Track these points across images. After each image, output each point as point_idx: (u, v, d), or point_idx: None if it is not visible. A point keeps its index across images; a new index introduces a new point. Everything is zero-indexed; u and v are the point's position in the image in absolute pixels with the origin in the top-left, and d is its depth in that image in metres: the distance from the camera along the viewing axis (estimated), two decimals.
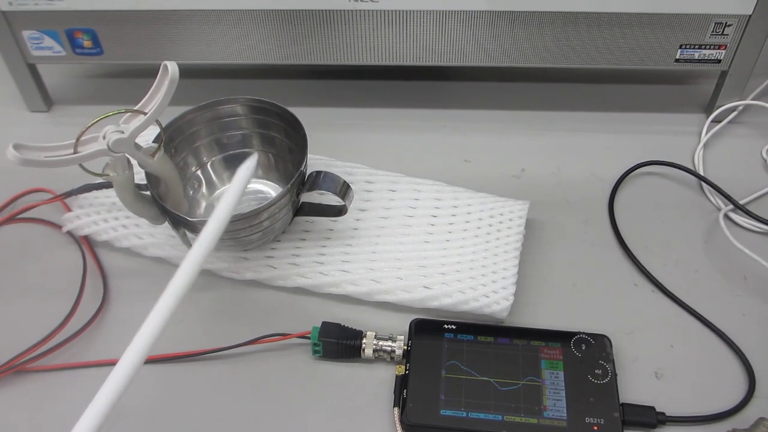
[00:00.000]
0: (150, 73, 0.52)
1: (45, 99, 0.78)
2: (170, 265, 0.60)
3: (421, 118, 0.77)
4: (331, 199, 0.61)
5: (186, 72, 0.52)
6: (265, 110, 0.61)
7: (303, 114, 0.58)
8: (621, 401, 0.50)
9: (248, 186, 0.64)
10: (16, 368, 0.54)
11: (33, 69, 0.76)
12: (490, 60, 0.71)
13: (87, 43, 0.72)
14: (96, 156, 0.50)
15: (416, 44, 0.70)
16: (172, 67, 0.50)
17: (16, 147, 0.47)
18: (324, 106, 0.79)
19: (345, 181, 0.56)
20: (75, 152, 0.50)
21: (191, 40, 0.71)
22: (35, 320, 0.56)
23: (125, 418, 0.52)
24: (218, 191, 0.64)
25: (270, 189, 0.64)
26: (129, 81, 0.83)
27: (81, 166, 0.51)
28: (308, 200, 0.60)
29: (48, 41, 0.72)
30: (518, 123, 0.76)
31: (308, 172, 0.58)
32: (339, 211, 0.59)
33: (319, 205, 0.60)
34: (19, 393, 0.53)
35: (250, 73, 0.84)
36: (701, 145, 0.72)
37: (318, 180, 0.56)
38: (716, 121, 0.75)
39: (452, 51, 0.70)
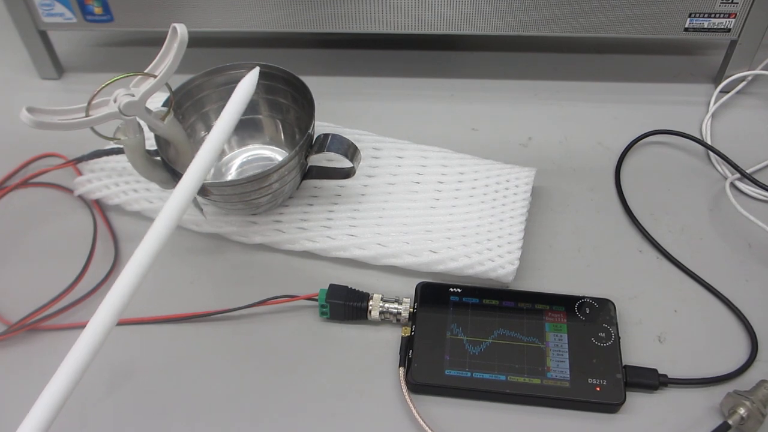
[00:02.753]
0: (160, 40, 0.52)
1: (56, 66, 0.79)
2: (180, 229, 0.61)
3: (429, 87, 0.78)
4: (339, 163, 0.61)
5: (194, 41, 0.52)
6: (272, 76, 0.61)
7: (311, 83, 0.59)
8: (624, 363, 0.51)
9: (256, 152, 0.65)
10: (29, 326, 0.55)
11: (44, 36, 0.76)
12: (498, 29, 0.71)
13: (97, 10, 0.72)
14: (107, 119, 0.51)
15: (424, 12, 0.70)
16: (181, 29, 0.50)
17: (30, 110, 0.48)
18: (332, 75, 0.79)
19: (353, 143, 0.57)
20: (87, 115, 0.51)
21: (200, 7, 0.71)
22: (48, 282, 0.57)
23: (134, 376, 0.53)
24: (226, 157, 0.65)
25: (277, 155, 0.65)
26: (139, 49, 0.84)
27: (93, 129, 0.52)
28: (316, 165, 0.61)
29: (59, 7, 0.72)
30: (526, 92, 0.76)
31: (316, 136, 0.58)
32: (347, 174, 0.59)
33: (327, 168, 0.61)
34: (32, 350, 0.55)
35: (259, 42, 0.84)
36: (709, 115, 0.72)
37: (326, 142, 0.56)
38: (724, 91, 0.74)
39: (460, 19, 0.70)
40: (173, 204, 0.46)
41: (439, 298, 0.55)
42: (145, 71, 0.52)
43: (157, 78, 0.51)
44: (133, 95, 0.51)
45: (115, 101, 0.51)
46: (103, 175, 0.64)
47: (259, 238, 0.60)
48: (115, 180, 0.64)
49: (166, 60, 0.51)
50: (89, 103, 0.50)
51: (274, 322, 0.56)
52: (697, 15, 0.68)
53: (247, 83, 0.54)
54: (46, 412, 0.38)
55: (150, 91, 0.51)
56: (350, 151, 0.57)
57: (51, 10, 0.72)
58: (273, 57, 0.63)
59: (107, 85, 0.50)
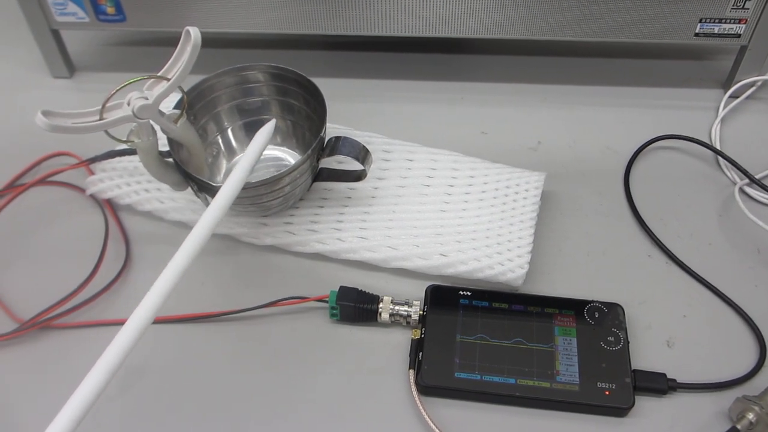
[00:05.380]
0: (172, 41, 0.52)
1: (68, 65, 0.79)
2: (190, 230, 0.61)
3: (439, 90, 0.78)
4: (350, 165, 0.61)
5: (206, 41, 0.53)
6: (284, 77, 0.61)
7: (322, 85, 0.59)
8: (633, 368, 0.51)
9: (267, 153, 0.65)
10: (41, 324, 0.55)
11: (57, 35, 0.77)
12: (508, 32, 0.71)
13: (110, 10, 0.73)
14: (121, 122, 0.51)
15: (434, 15, 0.70)
16: (194, 33, 0.50)
17: (45, 113, 0.48)
18: (343, 77, 0.79)
19: (364, 146, 0.57)
20: (101, 119, 0.51)
21: (213, 8, 0.71)
22: (59, 280, 0.58)
23: (146, 376, 0.53)
24: (237, 157, 0.65)
25: (288, 156, 0.65)
26: (151, 49, 0.84)
27: (107, 132, 0.52)
28: (327, 167, 0.61)
29: (72, 7, 0.72)
30: (535, 96, 0.76)
31: (327, 139, 0.58)
32: (358, 177, 0.60)
33: (338, 170, 0.61)
34: (44, 348, 0.55)
35: (270, 44, 0.84)
36: (718, 120, 0.72)
37: (338, 145, 0.57)
38: (734, 96, 0.74)
39: (471, 22, 0.70)
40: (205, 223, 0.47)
41: (449, 301, 0.55)
42: (159, 74, 0.52)
43: (171, 81, 0.51)
44: (147, 98, 0.51)
45: (128, 104, 0.51)
46: (114, 175, 0.64)
47: (270, 239, 0.60)
48: (127, 180, 0.64)
49: (179, 63, 0.52)
50: (103, 106, 0.51)
51: (284, 323, 0.56)
52: (708, 20, 0.69)
53: (265, 133, 0.56)
54: (78, 410, 0.40)
55: (163, 94, 0.51)
56: (361, 154, 0.57)
57: (64, 9, 0.73)
58: (284, 58, 0.64)
59: (121, 88, 0.51)
